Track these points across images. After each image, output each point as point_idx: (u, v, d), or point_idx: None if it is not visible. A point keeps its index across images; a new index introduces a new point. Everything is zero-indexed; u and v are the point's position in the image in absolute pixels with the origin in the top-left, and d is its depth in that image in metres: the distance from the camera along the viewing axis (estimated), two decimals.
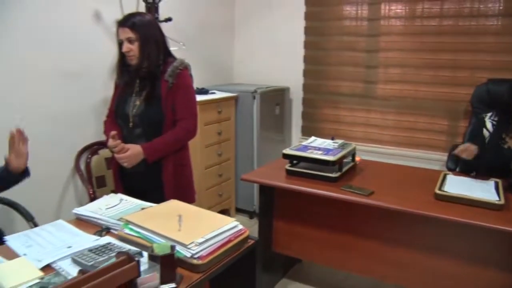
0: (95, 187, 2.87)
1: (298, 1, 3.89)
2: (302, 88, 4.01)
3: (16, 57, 2.53)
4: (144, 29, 2.12)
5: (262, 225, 2.54)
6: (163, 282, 1.29)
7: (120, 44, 2.16)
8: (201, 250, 1.41)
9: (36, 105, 2.67)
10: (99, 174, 2.94)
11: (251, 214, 3.82)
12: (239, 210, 3.88)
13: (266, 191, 2.46)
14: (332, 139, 2.60)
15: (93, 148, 2.95)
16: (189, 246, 1.40)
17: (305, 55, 3.94)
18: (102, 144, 2.87)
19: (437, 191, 2.09)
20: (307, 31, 3.90)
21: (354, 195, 2.13)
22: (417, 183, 2.34)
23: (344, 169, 2.39)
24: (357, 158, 2.57)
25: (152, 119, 2.20)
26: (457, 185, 2.17)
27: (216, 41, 4.14)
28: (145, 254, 1.39)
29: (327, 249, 2.41)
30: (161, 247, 1.35)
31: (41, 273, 1.36)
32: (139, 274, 1.16)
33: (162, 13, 3.19)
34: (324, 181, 2.29)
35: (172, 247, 1.35)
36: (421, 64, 3.43)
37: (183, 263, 1.40)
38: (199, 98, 3.31)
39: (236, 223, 1.59)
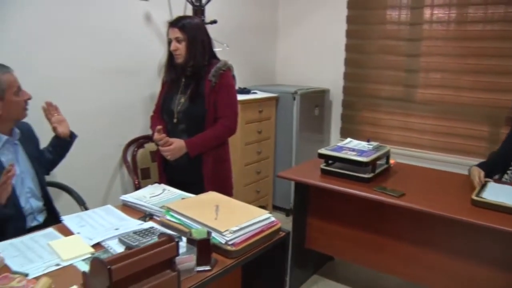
0: (140, 178, 3.05)
1: (341, 4, 3.95)
2: (342, 90, 4.07)
3: (74, 56, 2.74)
4: (192, 30, 2.27)
5: (296, 221, 2.63)
6: (198, 264, 1.41)
7: (170, 43, 2.32)
8: (235, 238, 1.53)
9: (91, 100, 2.88)
10: (144, 166, 3.12)
11: (287, 212, 3.92)
12: (276, 208, 3.98)
13: (301, 188, 2.55)
14: (368, 141, 2.66)
15: (139, 142, 3.13)
16: (224, 233, 1.52)
17: (346, 58, 3.99)
18: (148, 138, 3.04)
19: (474, 197, 2.08)
20: (349, 34, 3.95)
21: (385, 195, 2.18)
22: (453, 188, 2.35)
23: (378, 170, 2.44)
24: (391, 161, 2.62)
25: (195, 116, 2.34)
26: (497, 192, 2.14)
27: (260, 43, 4.26)
28: (184, 239, 1.52)
29: (358, 247, 2.47)
30: (198, 232, 1.47)
31: (92, 250, 1.53)
32: (177, 254, 1.29)
33: (208, 16, 3.34)
34: (357, 181, 2.35)
35: (209, 233, 1.48)
36: (463, 69, 3.41)
37: (218, 248, 1.52)
38: (241, 97, 3.45)
39: (269, 215, 1.70)
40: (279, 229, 1.72)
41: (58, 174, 2.41)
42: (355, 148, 2.50)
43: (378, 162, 2.49)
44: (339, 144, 2.59)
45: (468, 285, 2.14)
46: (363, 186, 2.31)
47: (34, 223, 1.96)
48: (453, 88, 3.47)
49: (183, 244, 1.50)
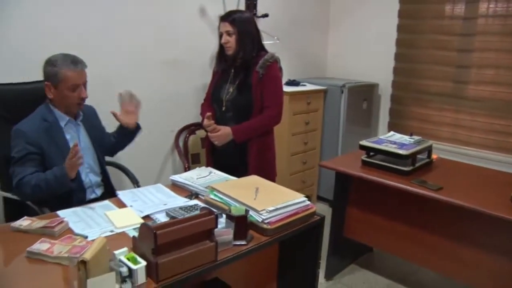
0: (190, 162, 3.24)
1: None
2: (391, 85, 4.07)
3: (134, 48, 2.97)
4: (242, 24, 2.41)
5: (335, 210, 2.71)
6: (235, 238, 1.55)
7: (221, 36, 2.47)
8: (270, 217, 1.65)
9: (148, 88, 3.10)
10: (194, 152, 3.31)
11: (330, 203, 3.97)
12: (320, 198, 4.06)
13: (341, 178, 2.63)
14: (411, 135, 2.69)
15: (191, 128, 3.33)
16: (261, 212, 1.65)
17: (396, 53, 3.98)
18: (199, 125, 3.22)
19: None
20: (400, 28, 3.93)
21: (422, 188, 2.21)
22: (495, 185, 2.33)
23: (418, 164, 2.47)
24: (433, 156, 2.63)
25: (242, 105, 2.48)
26: None
27: (311, 36, 4.32)
28: (224, 216, 1.66)
29: (396, 239, 2.52)
30: (237, 209, 1.61)
31: (141, 220, 1.70)
32: (216, 226, 1.43)
33: (260, 10, 3.46)
34: (396, 173, 2.39)
35: (246, 211, 1.61)
36: None
37: (254, 226, 1.65)
38: (290, 89, 3.56)
39: (304, 198, 1.81)
40: (314, 213, 1.83)
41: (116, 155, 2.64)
42: (396, 141, 2.54)
43: (419, 156, 2.52)
44: (381, 137, 2.64)
45: (506, 283, 2.14)
46: (401, 178, 2.35)
47: (93, 196, 2.18)
48: (507, 85, 3.38)
49: (223, 220, 1.64)
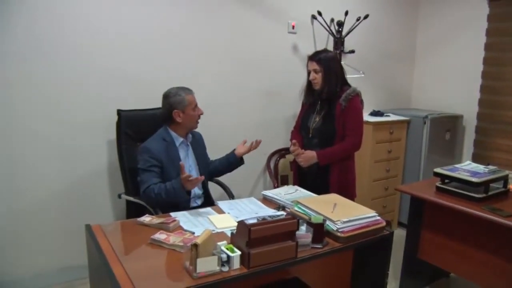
0: (279, 183, 3.61)
1: (479, 32, 4.06)
2: (476, 116, 4.14)
3: (232, 80, 3.49)
4: (327, 63, 2.75)
5: (409, 232, 2.89)
6: (313, 241, 1.87)
7: (309, 73, 2.84)
8: (344, 227, 1.95)
9: (244, 115, 3.57)
10: (283, 173, 3.68)
11: None
12: (400, 224, 4.20)
13: (415, 202, 2.82)
14: (487, 164, 2.81)
15: (281, 152, 3.71)
16: (336, 222, 1.95)
17: (482, 85, 4.07)
18: (288, 150, 3.59)
19: None
20: (486, 61, 4.03)
21: (491, 214, 2.33)
22: None
23: (492, 192, 2.57)
24: (510, 186, 2.73)
25: (327, 133, 2.81)
26: None
27: (396, 69, 4.56)
28: (305, 224, 1.98)
29: (469, 264, 2.61)
30: (316, 218, 1.93)
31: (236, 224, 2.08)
32: (297, 228, 1.76)
33: (347, 46, 3.80)
34: (468, 200, 2.52)
35: (324, 220, 1.93)
36: None
37: (330, 234, 1.95)
38: (374, 119, 3.82)
39: (375, 214, 2.07)
40: (384, 228, 2.08)
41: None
42: (470, 169, 2.69)
43: (494, 185, 2.63)
44: (456, 165, 2.80)
45: None
46: (473, 205, 2.46)
47: (194, 205, 2.64)
48: None
49: (304, 228, 1.97)
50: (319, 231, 1.89)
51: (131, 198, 2.69)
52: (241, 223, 1.70)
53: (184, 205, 2.54)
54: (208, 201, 2.72)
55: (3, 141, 2.73)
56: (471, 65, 4.13)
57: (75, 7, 2.79)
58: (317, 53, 2.81)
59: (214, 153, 2.93)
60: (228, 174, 2.96)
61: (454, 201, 2.56)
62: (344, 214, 2.03)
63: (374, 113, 4.04)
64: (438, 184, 2.73)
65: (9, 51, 2.64)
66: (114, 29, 2.94)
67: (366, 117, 3.89)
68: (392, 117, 4.03)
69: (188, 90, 2.57)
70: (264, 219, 1.93)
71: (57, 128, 2.87)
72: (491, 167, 2.73)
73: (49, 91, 2.80)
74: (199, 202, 2.70)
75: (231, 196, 2.90)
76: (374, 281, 2.21)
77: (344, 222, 1.96)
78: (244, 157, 2.87)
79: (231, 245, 1.72)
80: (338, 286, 2.34)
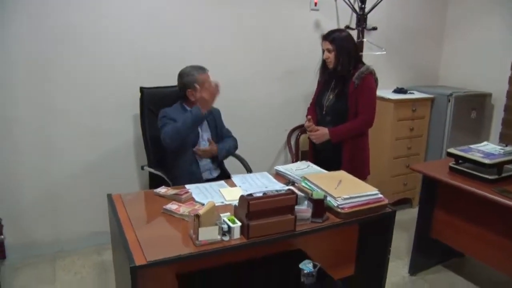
0: (300, 158, 3.70)
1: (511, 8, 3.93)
2: (506, 95, 4.05)
3: (259, 59, 3.57)
4: (340, 42, 2.79)
5: (421, 211, 2.94)
6: (313, 216, 1.97)
7: (323, 52, 2.88)
8: (344, 203, 2.03)
9: (267, 93, 3.67)
10: (304, 149, 3.76)
11: None
12: None
13: (428, 181, 2.85)
14: (506, 145, 2.79)
15: (302, 128, 3.77)
16: (336, 198, 2.04)
17: None
18: None
19: None
20: None
21: (501, 196, 2.35)
22: None
23: (505, 174, 2.57)
24: None
25: (340, 110, 2.87)
26: None
27: (424, 45, 4.48)
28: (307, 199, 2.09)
29: (481, 245, 2.64)
30: (317, 194, 2.02)
31: None
32: (296, 203, 1.87)
33: (371, 23, 3.78)
34: (481, 181, 2.53)
35: (325, 196, 2.02)
36: None
37: (331, 209, 2.05)
38: (396, 96, 3.83)
39: (377, 191, 2.14)
40: (386, 205, 2.15)
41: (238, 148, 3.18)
42: (484, 150, 2.68)
43: (509, 166, 2.62)
44: (471, 146, 2.80)
45: None
46: (484, 186, 2.47)
47: (210, 177, 2.78)
48: None
49: (306, 203, 2.07)
50: (319, 206, 1.98)
51: (152, 170, 2.86)
52: (242, 197, 1.82)
53: (196, 177, 2.69)
54: (224, 174, 2.86)
55: (41, 122, 2.99)
56: (503, 41, 4.02)
57: None
58: (330, 33, 2.84)
59: (237, 129, 3.08)
60: (250, 149, 3.09)
61: (467, 182, 2.57)
62: (347, 191, 2.11)
63: (398, 91, 4.02)
64: (451, 164, 2.75)
65: (42, 39, 2.86)
66: (138, 11, 3.09)
67: (388, 94, 3.89)
68: (416, 95, 4.00)
69: (201, 70, 2.68)
70: (265, 193, 2.05)
71: (86, 106, 3.09)
72: (509, 148, 2.70)
73: (79, 72, 3.02)
74: (215, 174, 2.85)
75: (248, 170, 3.03)
76: (377, 257, 2.29)
77: (345, 199, 2.04)
78: (265, 133, 2.97)
79: (233, 217, 1.85)
80: (343, 260, 2.44)
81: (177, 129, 2.53)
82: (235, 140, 3.00)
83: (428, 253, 3.05)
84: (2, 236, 2.90)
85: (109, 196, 2.22)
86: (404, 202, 4.16)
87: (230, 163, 3.03)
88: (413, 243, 2.97)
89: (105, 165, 3.23)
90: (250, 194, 2.21)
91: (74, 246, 3.24)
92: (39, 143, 3.00)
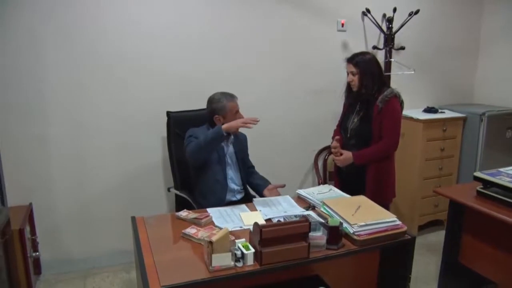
0: (327, 179, 3.70)
1: None
2: None
3: (285, 79, 3.62)
4: (364, 65, 2.79)
5: (448, 235, 2.86)
6: (328, 243, 1.97)
7: (348, 74, 2.89)
8: (360, 230, 2.03)
9: (295, 113, 3.71)
10: (332, 170, 3.75)
11: None
12: None
13: (455, 205, 2.77)
14: None
15: (330, 149, 3.74)
16: (353, 225, 2.04)
17: None
18: None
19: None
20: None
21: None
22: None
23: None
24: None
25: (364, 133, 2.86)
26: None
27: (456, 63, 4.39)
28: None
29: (510, 273, 2.55)
30: (333, 221, 2.03)
31: (264, 222, 2.24)
32: (309, 230, 1.88)
33: (400, 42, 3.75)
34: (509, 207, 2.45)
35: (340, 223, 2.02)
36: None
37: (347, 236, 2.04)
38: (425, 116, 3.77)
39: (395, 218, 2.12)
40: (405, 232, 2.13)
41: (261, 168, 3.18)
42: None
43: None
44: (500, 169, 2.71)
45: None
46: None
47: (234, 199, 2.83)
48: None
49: (323, 229, 2.08)
50: (334, 233, 1.99)
51: (177, 192, 2.94)
52: (255, 225, 1.85)
53: (220, 196, 2.76)
54: (248, 197, 2.90)
55: (76, 141, 3.15)
56: None
57: (131, 14, 3.08)
58: (354, 56, 2.85)
59: (263, 150, 3.18)
60: (277, 169, 3.15)
61: (494, 207, 2.49)
62: (364, 217, 2.10)
63: (428, 110, 3.96)
64: (478, 188, 2.67)
65: (76, 63, 3.04)
66: (169, 35, 3.22)
67: (418, 114, 3.84)
68: (447, 114, 3.93)
69: (230, 97, 2.74)
70: (285, 219, 2.08)
71: (117, 127, 3.23)
72: None
73: (110, 95, 3.16)
74: (238, 197, 2.89)
75: None
76: (398, 285, 2.26)
77: (361, 226, 2.04)
78: (293, 153, 3.00)
79: (247, 243, 1.88)
80: (364, 287, 2.42)
81: (199, 144, 2.60)
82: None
83: (457, 279, 2.95)
84: (37, 253, 3.05)
85: (133, 219, 2.31)
86: (436, 224, 4.05)
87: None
88: (440, 268, 2.89)
89: (135, 185, 3.34)
90: (269, 219, 2.27)
91: (105, 264, 3.35)
92: (71, 161, 3.15)
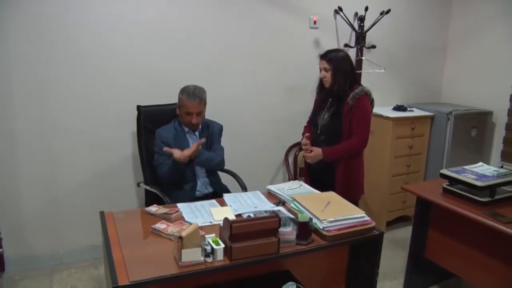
0: (298, 175, 3.72)
1: None
2: (508, 113, 4.03)
3: (255, 74, 3.60)
4: (337, 62, 2.82)
5: (415, 230, 2.93)
6: (298, 238, 1.99)
7: (320, 70, 2.91)
8: (329, 226, 2.05)
9: (268, 109, 3.72)
10: (302, 166, 3.78)
11: None
12: None
13: (422, 201, 2.84)
14: (501, 167, 2.78)
15: (300, 145, 3.79)
16: (322, 221, 2.06)
17: None
18: None
19: None
20: None
21: (491, 219, 2.33)
22: None
23: (499, 197, 2.54)
24: None
25: (334, 130, 2.89)
26: None
27: (425, 62, 4.49)
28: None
29: (474, 267, 2.61)
30: (303, 217, 2.04)
31: (234, 217, 2.23)
32: (279, 226, 1.89)
33: (371, 41, 3.80)
34: (473, 204, 2.52)
35: (310, 219, 2.04)
36: None
37: (317, 231, 2.06)
38: (395, 114, 3.83)
39: (363, 214, 2.15)
40: (373, 228, 2.16)
41: (232, 163, 3.20)
42: (478, 172, 2.67)
43: (506, 188, 2.60)
44: (465, 167, 2.80)
45: None
46: (476, 209, 2.45)
47: (206, 191, 2.84)
48: None
49: (293, 224, 2.09)
50: (304, 229, 2.00)
51: (147, 187, 2.91)
52: (225, 220, 1.85)
53: (192, 186, 2.79)
54: (219, 188, 2.90)
55: (45, 137, 3.07)
56: (505, 59, 4.02)
57: (100, 8, 3.02)
58: (327, 52, 2.88)
59: (237, 146, 3.12)
60: (247, 165, 3.14)
61: (459, 203, 2.56)
62: (333, 213, 2.12)
63: (397, 108, 4.03)
64: (444, 185, 2.75)
65: (45, 57, 2.95)
66: (139, 28, 3.16)
67: (387, 112, 3.90)
68: (415, 112, 4.01)
69: (192, 96, 2.72)
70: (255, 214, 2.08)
71: (87, 123, 3.16)
72: (503, 170, 2.69)
73: (79, 89, 3.09)
74: (210, 190, 2.88)
75: (243, 187, 3.05)
76: (366, 280, 2.30)
77: (330, 222, 2.06)
78: (264, 149, 3.01)
79: (217, 238, 1.87)
80: (334, 282, 2.45)
81: (170, 171, 2.69)
82: (221, 156, 2.95)
83: (423, 273, 3.03)
84: (1, 249, 2.96)
85: (102, 214, 2.27)
86: (404, 220, 4.14)
87: (226, 180, 3.06)
88: (407, 263, 2.96)
89: (104, 180, 3.28)
90: (239, 214, 2.27)
91: (72, 260, 3.29)
92: (39, 157, 3.07)
